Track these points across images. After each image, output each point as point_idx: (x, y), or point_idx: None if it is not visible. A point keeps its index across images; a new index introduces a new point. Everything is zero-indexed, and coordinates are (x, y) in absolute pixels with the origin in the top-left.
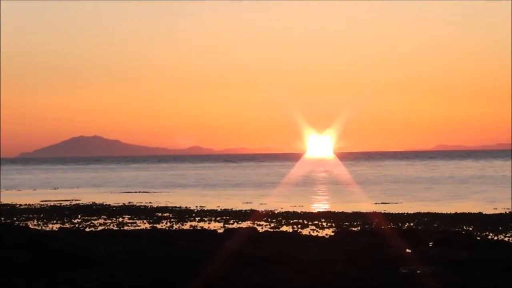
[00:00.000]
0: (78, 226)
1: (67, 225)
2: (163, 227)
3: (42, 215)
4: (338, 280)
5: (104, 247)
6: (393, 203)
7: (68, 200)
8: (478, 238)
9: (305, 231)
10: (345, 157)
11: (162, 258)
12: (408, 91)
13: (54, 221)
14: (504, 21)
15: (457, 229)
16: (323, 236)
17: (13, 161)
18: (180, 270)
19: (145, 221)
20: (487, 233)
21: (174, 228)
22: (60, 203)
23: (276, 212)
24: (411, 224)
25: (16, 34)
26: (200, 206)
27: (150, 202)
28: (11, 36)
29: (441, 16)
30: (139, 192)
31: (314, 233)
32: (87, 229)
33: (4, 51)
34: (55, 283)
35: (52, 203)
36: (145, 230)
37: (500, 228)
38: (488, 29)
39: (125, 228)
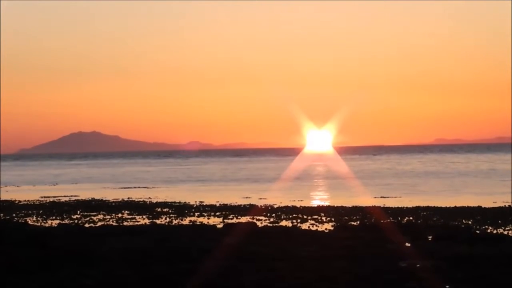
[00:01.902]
0: (78, 222)
1: (66, 221)
2: (163, 222)
3: (41, 211)
4: (338, 275)
5: (104, 244)
6: (393, 197)
7: (67, 196)
8: (478, 232)
9: (304, 226)
10: (344, 151)
11: (161, 255)
12: (407, 86)
13: (54, 217)
14: (503, 19)
15: (456, 223)
16: (323, 231)
17: (12, 157)
18: (180, 266)
19: (144, 216)
20: (487, 226)
21: (173, 223)
22: (59, 199)
23: (276, 206)
24: (411, 218)
25: (16, 31)
26: (200, 201)
27: (149, 198)
28: (11, 33)
29: (440, 13)
30: (139, 187)
31: (314, 228)
32: (87, 225)
33: (4, 48)
34: (54, 280)
35: (51, 199)
36: (145, 225)
37: (500, 221)
38: (487, 25)
39: (125, 223)
